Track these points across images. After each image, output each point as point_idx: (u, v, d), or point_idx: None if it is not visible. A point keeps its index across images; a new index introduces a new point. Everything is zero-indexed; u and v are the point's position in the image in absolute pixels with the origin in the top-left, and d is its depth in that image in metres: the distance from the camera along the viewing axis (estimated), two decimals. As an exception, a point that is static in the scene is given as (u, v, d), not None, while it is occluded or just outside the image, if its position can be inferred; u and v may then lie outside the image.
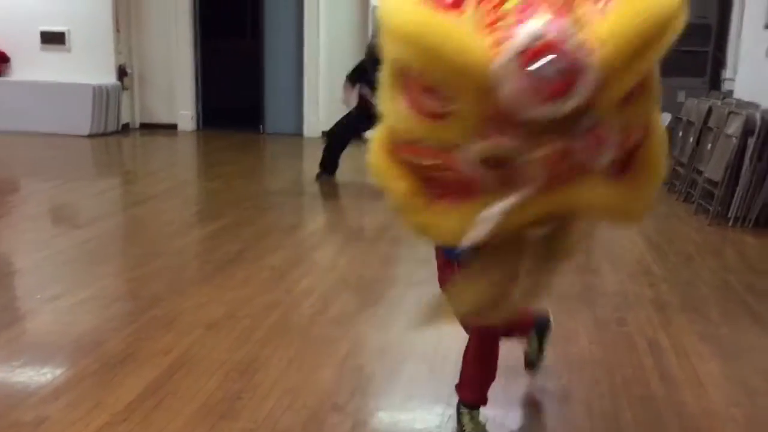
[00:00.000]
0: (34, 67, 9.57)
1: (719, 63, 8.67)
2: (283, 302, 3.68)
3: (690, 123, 6.80)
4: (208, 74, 10.43)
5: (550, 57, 1.41)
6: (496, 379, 2.46)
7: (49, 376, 2.81)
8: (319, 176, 6.80)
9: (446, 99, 1.52)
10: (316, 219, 5.63)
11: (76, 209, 5.85)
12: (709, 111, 6.33)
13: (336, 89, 9.75)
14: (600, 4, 1.51)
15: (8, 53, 9.67)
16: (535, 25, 1.43)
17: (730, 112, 5.87)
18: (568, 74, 1.42)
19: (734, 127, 5.64)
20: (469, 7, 1.50)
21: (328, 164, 6.81)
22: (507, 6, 1.49)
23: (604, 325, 3.52)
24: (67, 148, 8.65)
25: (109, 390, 2.71)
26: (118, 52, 9.76)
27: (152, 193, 6.35)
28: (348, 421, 2.56)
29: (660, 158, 1.77)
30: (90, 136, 9.25)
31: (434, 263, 2.34)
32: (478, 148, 1.51)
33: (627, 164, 1.68)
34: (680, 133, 7.07)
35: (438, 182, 1.64)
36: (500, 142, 1.50)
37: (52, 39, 9.58)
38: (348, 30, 9.66)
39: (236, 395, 2.70)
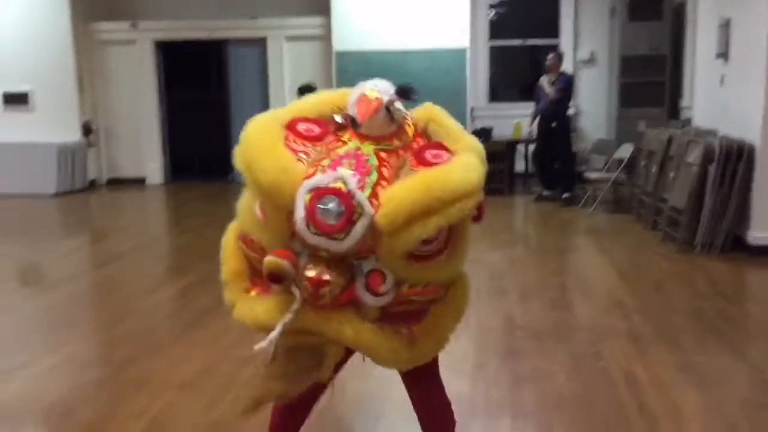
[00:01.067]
0: (-3, 128, 9.50)
1: (676, 93, 8.89)
2: (258, 357, 3.63)
3: (652, 153, 6.94)
4: (174, 126, 10.43)
5: (334, 199, 1.73)
6: (480, 418, 2.44)
7: (19, 450, 2.73)
8: None
9: (266, 215, 1.87)
10: (288, 268, 5.58)
11: (43, 271, 5.76)
12: (670, 140, 6.47)
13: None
14: (403, 175, 1.84)
15: (-30, 115, 9.59)
16: (337, 173, 1.77)
17: (689, 141, 6.01)
18: (344, 220, 1.73)
19: (694, 156, 5.76)
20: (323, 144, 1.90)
21: None
22: (338, 151, 1.86)
23: (581, 361, 3.53)
24: (33, 208, 8.54)
25: (82, 460, 2.64)
26: (82, 111, 9.73)
27: (121, 251, 6.27)
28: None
29: (446, 327, 1.96)
30: (56, 195, 9.16)
31: None
32: (265, 260, 1.80)
33: (418, 315, 1.92)
34: (643, 163, 7.21)
35: (258, 272, 1.92)
36: (277, 258, 1.78)
37: (15, 99, 9.54)
38: (312, 74, 9.72)
39: (213, 457, 2.65)
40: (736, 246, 5.52)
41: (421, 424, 2.26)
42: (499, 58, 10.15)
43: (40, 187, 9.10)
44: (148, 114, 10.12)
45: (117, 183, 10.18)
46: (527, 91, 9.39)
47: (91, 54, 9.96)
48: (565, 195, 8.05)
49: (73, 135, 9.59)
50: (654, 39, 9.10)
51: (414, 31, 9.13)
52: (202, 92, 11.16)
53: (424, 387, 2.18)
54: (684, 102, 8.31)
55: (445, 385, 2.21)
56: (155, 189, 9.99)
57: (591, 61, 9.77)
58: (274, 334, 1.83)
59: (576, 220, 7.33)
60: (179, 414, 3.00)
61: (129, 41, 10.00)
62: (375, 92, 1.91)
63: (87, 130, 9.79)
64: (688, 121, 7.50)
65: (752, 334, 4.03)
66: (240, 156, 1.86)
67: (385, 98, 1.91)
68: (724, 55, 6.15)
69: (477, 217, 1.95)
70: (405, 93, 1.97)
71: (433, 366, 2.14)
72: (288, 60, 9.79)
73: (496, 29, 9.98)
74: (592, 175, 8.00)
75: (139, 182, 10.16)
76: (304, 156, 1.87)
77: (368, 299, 1.83)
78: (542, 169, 8.42)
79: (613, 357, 3.54)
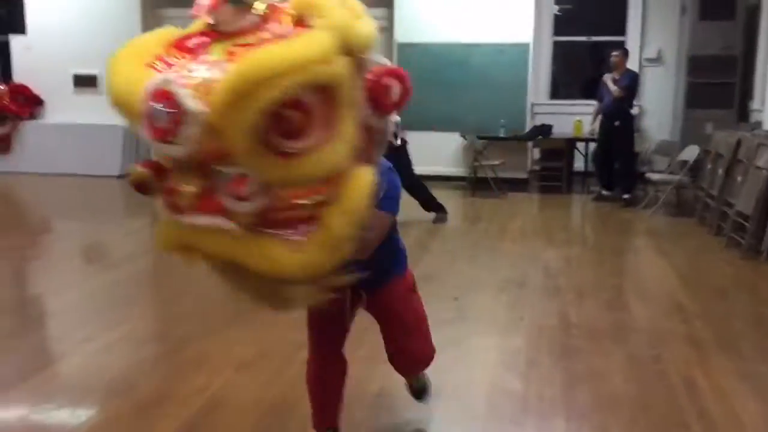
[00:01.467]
0: (67, 109, 9.81)
1: (746, 94, 8.62)
2: (313, 341, 3.68)
3: (719, 155, 6.75)
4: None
5: (161, 102, 1.63)
6: (533, 417, 2.43)
7: (83, 418, 2.83)
8: (435, 220, 6.86)
9: None
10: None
11: (106, 250, 5.94)
12: (738, 143, 6.28)
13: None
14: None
15: (42, 96, 9.92)
16: (162, 75, 1.69)
17: (759, 144, 5.82)
18: (171, 120, 1.63)
19: (764, 160, 5.58)
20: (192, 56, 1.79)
21: (431, 206, 6.86)
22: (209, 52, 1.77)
23: (638, 363, 3.46)
24: (99, 188, 8.81)
25: (146, 430, 2.72)
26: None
27: (182, 232, 6.42)
28: (380, 462, 2.54)
29: (334, 229, 1.71)
30: (121, 176, 9.42)
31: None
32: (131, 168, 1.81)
33: (311, 221, 1.72)
34: (709, 166, 7.02)
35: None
36: (139, 167, 1.78)
37: (85, 82, 9.83)
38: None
39: (269, 434, 2.70)
40: (805, 255, 5.33)
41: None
42: (562, 54, 10.00)
43: (106, 168, 9.38)
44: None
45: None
46: (589, 89, 9.24)
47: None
48: (625, 196, 7.90)
49: (138, 118, 9.85)
50: (725, 39, 8.84)
51: (477, 25, 9.07)
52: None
53: (392, 330, 2.45)
54: (754, 104, 8.06)
55: (497, 381, 2.21)
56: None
57: (658, 59, 9.55)
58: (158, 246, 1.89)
59: (635, 222, 7.19)
60: (238, 391, 3.06)
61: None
62: None
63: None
64: (758, 124, 7.27)
65: (819, 345, 3.89)
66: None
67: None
68: (800, 56, 5.93)
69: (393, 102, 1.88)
70: None
71: (404, 308, 2.39)
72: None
73: (561, 24, 9.84)
74: (654, 176, 7.83)
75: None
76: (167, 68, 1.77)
77: (230, 204, 1.69)
78: (602, 168, 8.27)
79: (672, 361, 3.47)
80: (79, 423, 2.79)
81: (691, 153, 7.48)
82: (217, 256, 1.76)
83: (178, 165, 1.71)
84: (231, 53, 1.70)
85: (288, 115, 1.61)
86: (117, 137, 9.45)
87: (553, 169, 8.80)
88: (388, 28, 9.48)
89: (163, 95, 1.63)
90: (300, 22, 1.75)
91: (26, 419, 2.86)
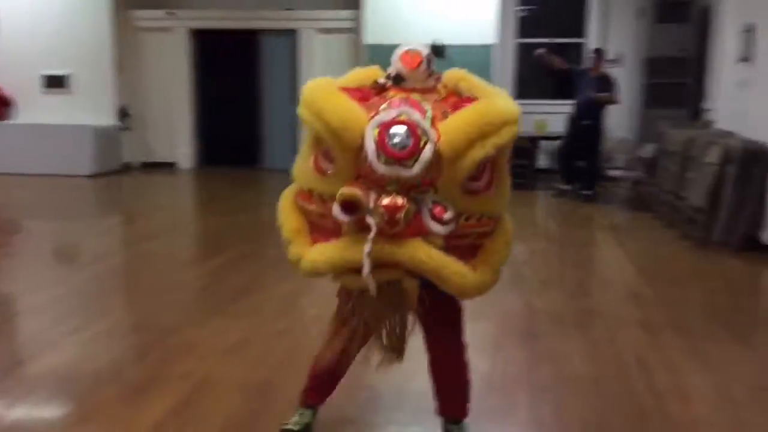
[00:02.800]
0: (37, 109, 9.84)
1: (698, 94, 9.01)
2: (294, 329, 3.88)
3: (673, 152, 7.10)
4: (206, 113, 10.72)
5: (402, 128, 1.94)
6: (497, 393, 2.66)
7: (75, 404, 2.99)
8: None
9: (333, 160, 2.08)
10: (317, 251, 5.83)
11: (84, 247, 6.05)
12: (690, 141, 6.63)
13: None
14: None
15: (12, 97, 9.93)
16: (400, 108, 2.00)
17: (709, 142, 6.17)
18: (412, 145, 1.93)
19: (714, 156, 5.92)
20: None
21: None
22: (391, 96, 2.09)
23: (596, 345, 3.73)
24: (70, 188, 8.87)
25: (136, 414, 2.89)
26: (119, 95, 10.05)
27: (156, 230, 6.56)
28: (361, 435, 2.76)
29: (499, 255, 2.20)
30: (91, 176, 9.48)
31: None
32: (339, 192, 1.99)
33: (472, 250, 2.14)
34: (664, 162, 7.36)
35: (317, 227, 2.18)
36: (353, 188, 1.97)
37: (55, 82, 9.87)
38: (342, 67, 9.94)
39: (255, 413, 2.89)
40: (751, 245, 5.68)
41: (432, 381, 2.52)
42: (525, 56, 10.31)
43: (77, 168, 9.43)
44: (181, 100, 10.42)
45: (149, 167, 10.49)
46: (551, 89, 9.55)
47: (128, 40, 10.27)
48: (586, 192, 8.21)
49: (108, 118, 9.91)
50: (680, 41, 9.24)
51: (443, 26, 9.31)
52: (233, 81, 11.40)
53: (444, 337, 2.43)
54: (706, 104, 8.44)
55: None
56: (186, 173, 10.30)
57: (616, 61, 9.90)
58: (366, 269, 1.98)
59: (596, 217, 7.51)
60: (224, 376, 3.25)
61: (165, 29, 10.30)
62: (415, 48, 2.15)
63: (123, 114, 10.11)
64: (709, 123, 7.64)
65: (762, 327, 4.21)
66: (306, 107, 2.08)
67: (425, 52, 2.14)
68: (748, 59, 6.29)
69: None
70: (439, 51, 2.22)
71: (454, 318, 2.41)
72: (319, 52, 10.03)
73: (525, 27, 10.14)
74: (614, 173, 8.17)
75: (170, 166, 10.47)
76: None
77: (434, 227, 2.00)
78: (567, 165, 8.54)
79: (627, 342, 3.75)
80: (73, 408, 2.94)
81: (647, 151, 7.84)
82: (415, 268, 2.02)
83: (390, 189, 1.98)
84: (437, 102, 2.09)
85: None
86: (87, 137, 9.50)
87: (518, 166, 9.06)
88: (356, 30, 9.70)
89: (406, 123, 1.94)
90: (452, 92, 2.16)
91: (12, 409, 2.98)
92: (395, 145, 1.93)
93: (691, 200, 6.21)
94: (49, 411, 2.97)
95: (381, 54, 9.26)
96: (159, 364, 3.39)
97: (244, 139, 10.67)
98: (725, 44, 7.21)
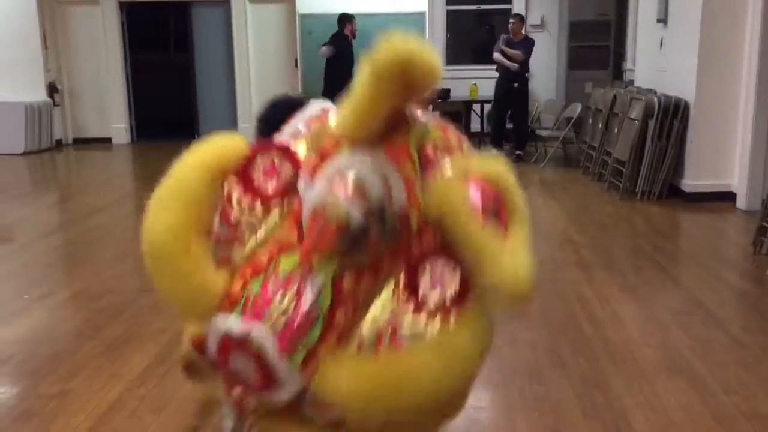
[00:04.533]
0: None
1: (620, 56, 9.52)
2: (257, 286, 4.08)
3: (598, 110, 7.54)
4: (139, 87, 10.63)
5: (247, 361, 1.39)
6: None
7: (62, 358, 3.14)
8: None
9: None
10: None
11: (29, 223, 6.03)
12: (614, 99, 7.07)
13: (267, 96, 10.17)
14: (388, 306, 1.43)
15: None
16: (252, 330, 1.38)
17: (632, 99, 6.61)
18: (260, 383, 1.41)
19: (636, 112, 6.36)
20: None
21: None
22: (283, 263, 1.43)
23: (539, 285, 4.05)
24: (3, 167, 8.71)
25: (120, 364, 3.07)
26: (47, 70, 9.86)
27: (103, 203, 6.59)
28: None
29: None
30: (24, 153, 9.32)
31: None
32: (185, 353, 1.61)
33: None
34: (590, 121, 7.81)
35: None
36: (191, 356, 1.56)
37: (-18, 60, 9.61)
38: (276, 37, 10.06)
39: (234, 360, 3.11)
40: (672, 193, 6.18)
41: None
42: (455, 22, 10.60)
43: (9, 146, 9.25)
44: (112, 75, 10.29)
45: (82, 143, 10.36)
46: (480, 55, 9.88)
47: (54, 15, 10.05)
48: (518, 152, 8.60)
49: (38, 95, 9.72)
50: (600, 5, 9.70)
51: (376, -5, 9.52)
52: (165, 53, 11.34)
53: None
54: (627, 64, 8.94)
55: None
56: (122, 148, 10.22)
57: (541, 25, 10.30)
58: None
59: (529, 174, 7.90)
60: (198, 329, 3.44)
61: (93, 2, 10.11)
62: (345, 207, 1.35)
63: (53, 89, 9.93)
64: (630, 83, 8.12)
65: (682, 263, 4.67)
66: (144, 231, 1.54)
67: (358, 218, 1.35)
68: (663, 20, 6.73)
69: None
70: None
71: None
72: (252, 22, 10.06)
73: (453, -6, 10.41)
74: (543, 132, 8.59)
75: (105, 142, 10.36)
76: (229, 237, 1.50)
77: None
78: (497, 127, 8.89)
79: (566, 281, 4.11)
80: (60, 362, 3.09)
81: (573, 110, 8.27)
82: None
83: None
84: (340, 293, 1.40)
85: None
86: (19, 115, 9.31)
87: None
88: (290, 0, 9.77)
89: (251, 354, 1.40)
90: (427, 224, 1.46)
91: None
92: (237, 373, 1.45)
93: (616, 154, 6.65)
94: (37, 364, 3.09)
95: (315, 24, 9.50)
96: (134, 322, 3.55)
97: (180, 112, 10.64)
98: (643, 7, 7.65)
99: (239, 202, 1.50)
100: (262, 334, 1.37)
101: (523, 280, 1.42)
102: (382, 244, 1.40)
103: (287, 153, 1.53)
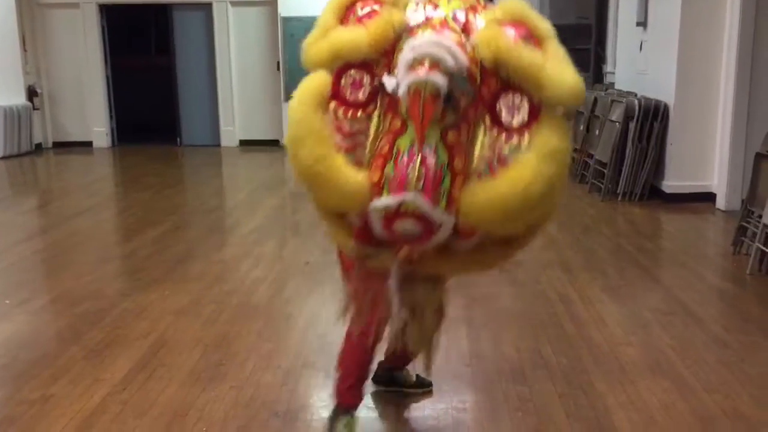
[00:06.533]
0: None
1: (600, 59, 9.58)
2: (240, 290, 4.08)
3: (579, 113, 7.59)
4: (120, 91, 10.55)
5: (411, 222, 1.75)
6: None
7: (44, 363, 3.11)
8: None
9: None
10: (252, 219, 5.99)
11: (9, 227, 5.97)
12: (595, 101, 7.13)
13: (249, 99, 10.15)
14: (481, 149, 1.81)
15: None
16: (405, 196, 1.74)
17: (612, 101, 6.67)
18: (425, 234, 1.78)
19: (617, 114, 6.42)
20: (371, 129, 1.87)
21: None
22: (400, 144, 1.78)
23: (523, 285, 4.10)
24: (-18, 170, 8.61)
25: (102, 369, 3.05)
26: (26, 73, 9.77)
27: (85, 207, 6.53)
28: (320, 374, 3.01)
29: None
30: (3, 158, 9.21)
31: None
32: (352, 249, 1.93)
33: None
34: (571, 123, 7.87)
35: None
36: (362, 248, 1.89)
37: (-41, 62, 9.48)
38: (258, 40, 10.03)
39: (218, 363, 3.10)
40: (653, 194, 6.23)
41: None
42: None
43: (-13, 150, 9.14)
44: (93, 78, 10.20)
45: (63, 146, 10.26)
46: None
47: (34, 17, 9.96)
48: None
49: (18, 98, 9.62)
50: (580, 8, 9.76)
51: (357, -2, 9.50)
52: (146, 56, 11.27)
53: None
54: (607, 67, 9.00)
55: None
56: (103, 152, 10.13)
57: (522, 29, 10.35)
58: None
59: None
60: (180, 334, 3.42)
61: (73, 4, 10.03)
62: (432, 79, 1.71)
63: (32, 93, 9.83)
64: (611, 85, 8.17)
65: (663, 263, 4.71)
66: (293, 165, 1.87)
67: (444, 84, 1.72)
68: (643, 23, 6.79)
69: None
70: None
71: None
72: (234, 25, 10.02)
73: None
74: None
75: (86, 146, 10.27)
76: (352, 144, 1.85)
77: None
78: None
79: (549, 282, 4.14)
80: (42, 367, 3.05)
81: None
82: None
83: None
84: (451, 147, 1.77)
85: None
86: (-3, 118, 9.22)
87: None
88: (271, 2, 9.74)
89: (412, 216, 1.75)
90: (488, 71, 1.82)
91: (-13, 369, 3.09)
92: (405, 235, 1.79)
93: (598, 156, 6.70)
94: (19, 370, 3.06)
95: (297, 26, 9.51)
96: (116, 326, 3.52)
97: (161, 116, 10.58)
98: (623, 10, 7.72)
99: (345, 116, 1.87)
100: (412, 197, 1.73)
101: (572, 79, 1.78)
102: (463, 99, 1.77)
103: (361, 66, 1.88)
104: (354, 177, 1.81)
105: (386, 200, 1.76)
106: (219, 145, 10.16)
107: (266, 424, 2.61)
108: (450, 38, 1.78)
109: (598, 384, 2.88)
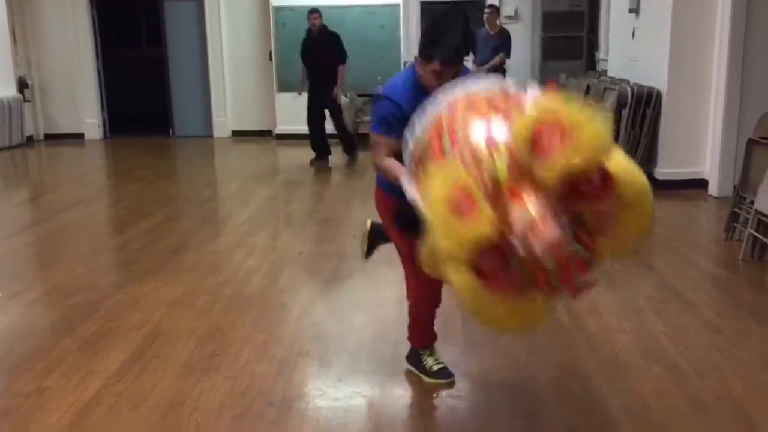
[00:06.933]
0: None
1: (593, 46, 9.58)
2: (234, 280, 4.07)
3: (572, 101, 7.58)
4: (112, 82, 10.49)
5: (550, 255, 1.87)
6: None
7: (38, 355, 3.10)
8: (311, 162, 7.82)
9: None
10: (245, 210, 5.98)
11: (5, 219, 5.95)
12: (588, 88, 7.12)
13: (241, 89, 10.11)
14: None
15: None
16: (525, 211, 1.89)
17: (605, 88, 6.66)
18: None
19: (610, 101, 6.42)
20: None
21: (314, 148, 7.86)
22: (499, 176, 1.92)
23: (516, 274, 4.10)
24: (-26, 163, 8.57)
25: (96, 361, 3.04)
26: (16, 64, 9.70)
27: (77, 199, 6.50)
28: (315, 363, 3.01)
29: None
30: (-4, 150, 9.17)
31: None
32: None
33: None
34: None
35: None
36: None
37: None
38: (250, 30, 9.98)
39: (212, 354, 3.10)
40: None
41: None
42: (429, 14, 10.59)
43: (-20, 143, 9.09)
44: (84, 69, 10.14)
45: (54, 138, 10.20)
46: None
47: (23, 8, 9.88)
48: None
49: (8, 90, 9.55)
50: (573, -4, 9.75)
51: (350, -13, 9.47)
52: (138, 48, 11.19)
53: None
54: (600, 54, 9.00)
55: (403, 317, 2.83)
56: (95, 144, 10.08)
57: (514, 17, 10.32)
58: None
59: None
60: (174, 324, 3.42)
61: (62, -5, 9.95)
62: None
63: (22, 84, 9.77)
64: (604, 72, 8.17)
65: (657, 250, 4.71)
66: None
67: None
68: (635, 10, 6.78)
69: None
70: None
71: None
72: (225, 15, 9.96)
73: (427, -15, 10.39)
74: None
75: (78, 137, 10.22)
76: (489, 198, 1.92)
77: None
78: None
79: (543, 270, 4.14)
80: (36, 359, 3.05)
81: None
82: None
83: None
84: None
85: None
86: (-12, 111, 9.16)
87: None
88: (263, -8, 9.69)
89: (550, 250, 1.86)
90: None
91: (-19, 362, 3.08)
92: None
93: (590, 144, 6.69)
94: (13, 362, 3.05)
95: (289, 15, 9.44)
96: (110, 318, 3.52)
97: (153, 107, 10.52)
98: (615, -2, 7.70)
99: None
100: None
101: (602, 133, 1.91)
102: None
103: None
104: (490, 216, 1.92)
105: (529, 209, 1.91)
106: (211, 136, 10.12)
107: (262, 413, 2.61)
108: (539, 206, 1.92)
109: (592, 370, 2.89)
